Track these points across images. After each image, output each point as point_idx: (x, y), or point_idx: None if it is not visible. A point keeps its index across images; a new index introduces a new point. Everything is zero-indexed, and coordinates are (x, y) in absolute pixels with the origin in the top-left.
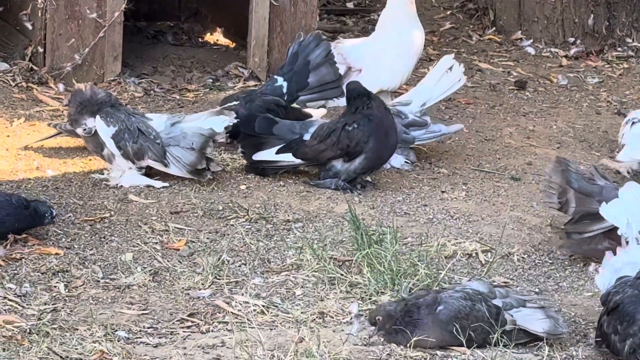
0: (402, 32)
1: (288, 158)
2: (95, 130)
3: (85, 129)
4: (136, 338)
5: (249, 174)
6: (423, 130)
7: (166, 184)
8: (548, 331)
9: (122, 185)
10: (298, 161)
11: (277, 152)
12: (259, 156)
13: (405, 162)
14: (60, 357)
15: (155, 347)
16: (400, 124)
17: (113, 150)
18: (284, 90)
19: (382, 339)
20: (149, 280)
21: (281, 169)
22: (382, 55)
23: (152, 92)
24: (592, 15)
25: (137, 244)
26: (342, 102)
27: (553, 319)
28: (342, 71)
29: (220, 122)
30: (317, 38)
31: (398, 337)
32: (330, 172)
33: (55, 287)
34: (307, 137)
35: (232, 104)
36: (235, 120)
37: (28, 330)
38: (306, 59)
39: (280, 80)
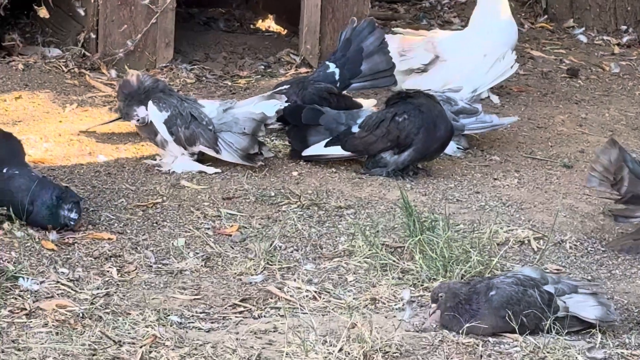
0: (494, 25)
1: (337, 151)
2: (149, 120)
3: (138, 120)
4: (189, 323)
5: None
6: (473, 118)
7: (218, 170)
8: (600, 318)
9: (174, 171)
10: (347, 154)
11: (326, 145)
12: (309, 151)
13: (458, 148)
14: (113, 341)
15: (207, 332)
16: (450, 110)
17: (165, 136)
18: (337, 77)
19: (435, 322)
20: (201, 265)
21: (330, 160)
22: (470, 47)
23: (204, 78)
24: None
25: (190, 229)
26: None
27: (605, 305)
28: (428, 60)
29: (271, 106)
30: (370, 24)
31: (452, 322)
32: (379, 163)
33: (107, 271)
34: (355, 128)
35: (282, 87)
36: (286, 104)
37: (81, 315)
38: (359, 45)
39: (333, 67)
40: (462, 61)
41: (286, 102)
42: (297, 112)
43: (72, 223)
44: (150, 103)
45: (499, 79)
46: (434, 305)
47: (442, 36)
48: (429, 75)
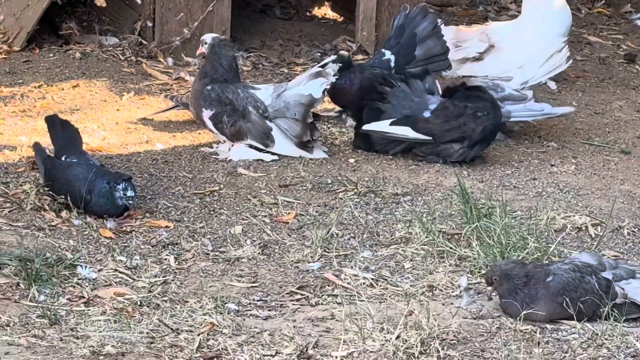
0: (547, 11)
1: (403, 131)
2: None
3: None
4: (246, 310)
5: (357, 149)
6: (521, 105)
7: (275, 157)
8: None
9: (231, 159)
10: (413, 135)
11: (391, 124)
12: (371, 127)
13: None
14: (171, 329)
15: (265, 319)
16: (495, 97)
17: (213, 130)
18: (392, 64)
19: (492, 308)
20: (258, 253)
21: (391, 144)
22: (524, 35)
23: (260, 66)
24: None
25: (246, 217)
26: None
27: None
28: (483, 48)
29: (318, 86)
30: (423, 10)
31: (509, 308)
32: (441, 154)
33: (165, 259)
34: (426, 113)
35: (329, 60)
36: (334, 80)
37: (139, 303)
38: (412, 31)
39: (388, 54)
40: (517, 49)
41: (339, 82)
42: (359, 111)
43: (130, 202)
44: (200, 102)
45: (551, 74)
46: (489, 288)
47: (496, 26)
48: (485, 63)
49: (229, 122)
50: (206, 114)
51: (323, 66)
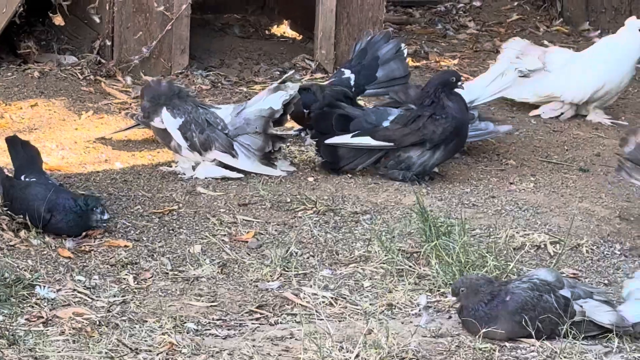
0: (612, 46)
1: (365, 141)
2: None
3: (162, 121)
4: (205, 330)
5: (322, 170)
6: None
7: (241, 175)
8: (616, 323)
9: (196, 177)
10: (375, 143)
11: (354, 136)
12: (334, 139)
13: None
14: (130, 349)
15: (224, 339)
16: None
17: (180, 141)
18: (352, 82)
19: (451, 327)
20: (218, 272)
21: (355, 160)
22: (579, 67)
23: (219, 84)
24: None
25: (206, 236)
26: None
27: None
28: (534, 67)
29: (277, 99)
30: (387, 35)
31: (469, 325)
32: (403, 164)
33: (124, 279)
34: (386, 123)
35: (288, 74)
36: (293, 93)
37: (97, 322)
38: (375, 54)
39: (348, 73)
40: (560, 76)
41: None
42: (327, 120)
43: (104, 225)
44: (164, 110)
45: (497, 95)
46: (454, 298)
47: (556, 50)
48: (528, 82)
49: (197, 130)
50: (174, 123)
51: (283, 82)
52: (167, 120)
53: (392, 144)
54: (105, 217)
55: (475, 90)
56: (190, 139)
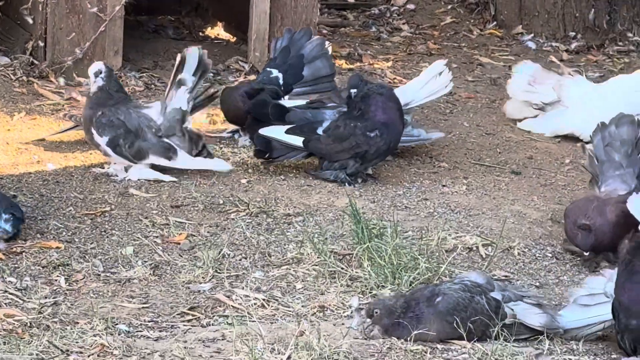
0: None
1: (297, 142)
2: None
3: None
4: (137, 332)
5: (256, 158)
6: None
7: (174, 178)
8: (546, 325)
9: (129, 179)
10: (306, 152)
11: (287, 132)
12: (267, 131)
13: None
14: (61, 350)
15: (155, 340)
16: None
17: (113, 157)
18: (280, 81)
19: (380, 334)
20: (150, 274)
21: (288, 153)
22: (593, 98)
23: (152, 86)
24: (592, 10)
25: (138, 237)
26: None
27: (549, 314)
28: (550, 99)
29: (182, 98)
30: (308, 32)
31: (399, 330)
32: (337, 164)
33: (55, 280)
34: (320, 129)
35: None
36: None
37: (28, 324)
38: (299, 52)
39: (276, 72)
40: (583, 113)
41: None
42: (263, 108)
43: (4, 237)
44: (93, 130)
45: (432, 97)
46: (369, 320)
47: (572, 80)
48: (545, 118)
49: (126, 144)
50: (102, 141)
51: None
52: (97, 138)
53: (322, 157)
54: (8, 228)
55: (410, 92)
56: (119, 154)
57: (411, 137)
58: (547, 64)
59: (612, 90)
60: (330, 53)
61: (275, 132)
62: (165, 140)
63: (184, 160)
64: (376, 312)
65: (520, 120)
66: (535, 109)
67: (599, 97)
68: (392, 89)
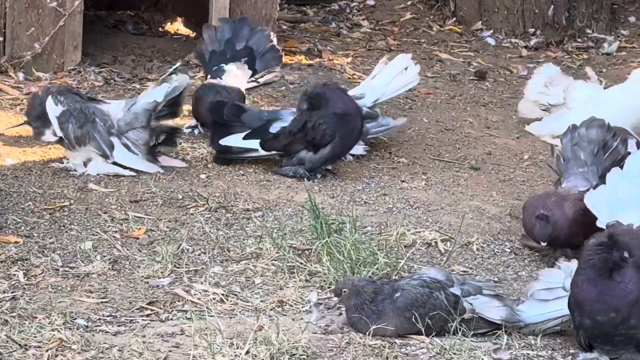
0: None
1: (255, 146)
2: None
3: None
4: (95, 326)
5: (216, 163)
6: (374, 122)
7: (133, 173)
8: (505, 319)
9: (88, 174)
10: (263, 152)
11: (245, 138)
12: (226, 141)
13: (363, 149)
14: (19, 345)
15: (114, 335)
16: None
17: (57, 130)
18: None
19: (342, 323)
20: (109, 268)
21: (248, 157)
22: (595, 103)
23: (112, 81)
24: (552, 6)
25: (97, 232)
26: None
27: (509, 307)
28: (555, 102)
29: (161, 91)
30: (249, 24)
31: (358, 324)
32: (295, 160)
33: (14, 275)
34: (273, 129)
35: (175, 66)
36: (177, 85)
37: None
38: (247, 45)
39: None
40: (583, 117)
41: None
42: (220, 109)
43: None
44: (49, 97)
45: (400, 90)
46: (336, 298)
47: (580, 84)
48: (547, 120)
49: (76, 124)
50: (54, 110)
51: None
52: (50, 107)
53: (280, 152)
54: None
55: (379, 88)
56: (65, 130)
57: (382, 126)
58: (506, 59)
59: (618, 94)
60: (276, 43)
61: (235, 141)
62: (112, 138)
63: (120, 158)
64: (344, 292)
65: (532, 120)
66: (542, 109)
67: (603, 101)
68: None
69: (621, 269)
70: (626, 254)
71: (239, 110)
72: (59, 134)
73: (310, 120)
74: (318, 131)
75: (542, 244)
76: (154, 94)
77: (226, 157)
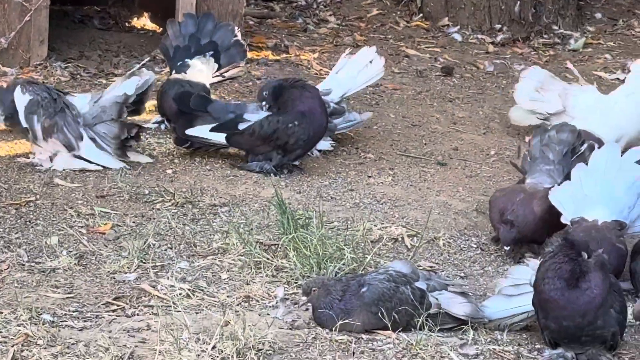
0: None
1: (221, 139)
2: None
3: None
4: (61, 321)
5: (176, 144)
6: (342, 118)
7: (100, 168)
8: (470, 315)
9: (53, 169)
10: (230, 149)
11: (212, 130)
12: (193, 131)
13: (330, 144)
14: None
15: (80, 330)
16: None
17: (22, 121)
18: None
19: (308, 318)
20: (75, 264)
21: (212, 147)
22: (597, 111)
23: (78, 76)
24: (518, 2)
25: (63, 227)
26: None
27: (473, 304)
28: (554, 109)
29: (131, 84)
30: (212, 20)
31: (325, 319)
32: (261, 156)
33: None
34: (241, 125)
35: (144, 62)
36: (147, 77)
37: None
38: (211, 39)
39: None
40: (587, 123)
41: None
42: (186, 98)
43: None
44: (17, 87)
45: (367, 83)
46: (304, 298)
47: (581, 90)
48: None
49: (44, 115)
50: (22, 99)
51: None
52: (17, 96)
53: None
54: None
55: (346, 82)
56: (30, 122)
57: (350, 121)
58: (473, 55)
59: (622, 98)
60: (241, 39)
61: (201, 132)
62: (80, 128)
63: (92, 153)
64: (314, 290)
65: (524, 127)
66: (540, 119)
67: (606, 108)
68: (306, 81)
69: (586, 274)
70: (585, 255)
71: (206, 100)
72: (24, 125)
73: (280, 128)
74: (291, 137)
75: (506, 248)
76: (124, 86)
77: (188, 142)
